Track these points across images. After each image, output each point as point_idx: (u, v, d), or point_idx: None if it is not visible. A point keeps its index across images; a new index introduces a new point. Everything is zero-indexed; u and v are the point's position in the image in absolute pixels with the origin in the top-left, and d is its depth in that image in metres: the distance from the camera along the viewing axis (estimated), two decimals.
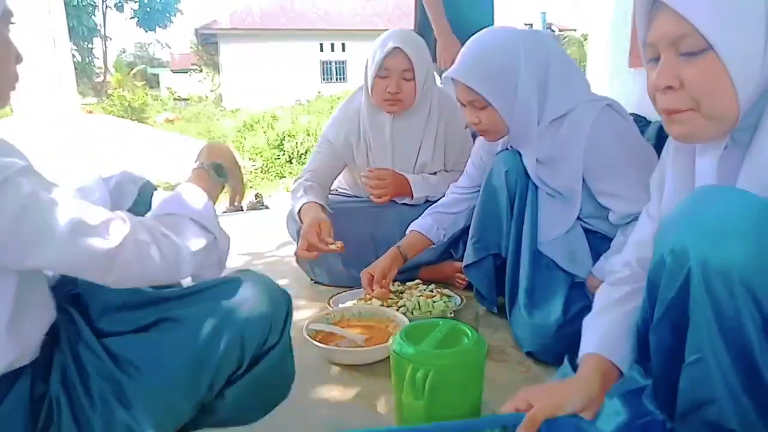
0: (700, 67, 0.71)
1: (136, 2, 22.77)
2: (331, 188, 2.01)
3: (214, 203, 0.94)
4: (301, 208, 1.76)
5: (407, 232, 1.68)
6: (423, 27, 2.39)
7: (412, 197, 1.85)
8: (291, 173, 8.31)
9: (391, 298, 1.63)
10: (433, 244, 1.68)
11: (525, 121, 1.36)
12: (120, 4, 22.71)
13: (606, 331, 0.89)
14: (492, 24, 2.36)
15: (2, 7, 0.75)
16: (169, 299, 0.85)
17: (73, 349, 0.81)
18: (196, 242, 0.84)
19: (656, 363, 0.81)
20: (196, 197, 0.89)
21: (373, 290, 1.56)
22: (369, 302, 1.60)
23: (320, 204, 1.76)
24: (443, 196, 1.73)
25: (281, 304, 0.89)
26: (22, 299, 0.74)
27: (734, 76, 0.70)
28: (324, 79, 20.44)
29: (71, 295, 0.89)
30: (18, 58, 0.80)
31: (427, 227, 1.66)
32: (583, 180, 1.37)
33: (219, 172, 0.98)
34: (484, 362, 1.00)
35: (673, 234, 0.72)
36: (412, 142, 1.86)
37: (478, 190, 1.58)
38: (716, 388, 0.68)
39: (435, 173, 1.92)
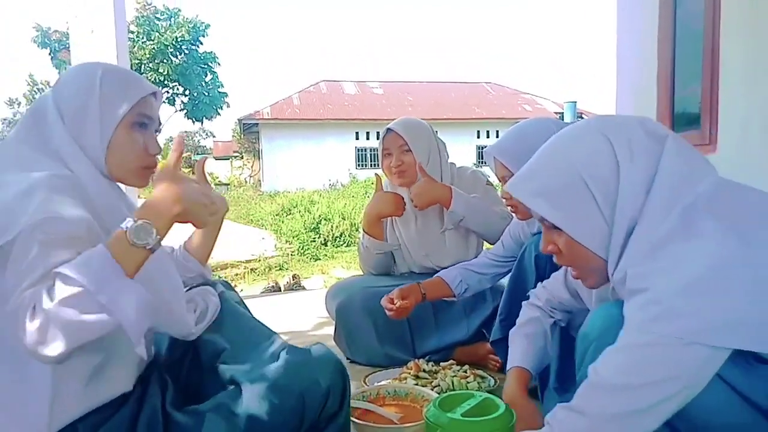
0: (564, 238, 0.91)
1: (186, 96, 24.46)
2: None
3: (131, 268, 0.80)
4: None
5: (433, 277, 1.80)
6: None
7: (449, 206, 1.89)
8: (326, 255, 8.48)
9: (425, 378, 1.67)
10: (453, 296, 1.77)
11: None
12: (171, 99, 24.43)
13: (523, 349, 1.27)
14: None
15: (125, 107, 0.99)
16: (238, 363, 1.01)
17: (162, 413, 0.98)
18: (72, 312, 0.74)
19: None
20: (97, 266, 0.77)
21: (394, 303, 1.68)
22: (404, 381, 1.64)
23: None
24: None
25: (338, 375, 1.02)
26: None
27: (590, 246, 0.89)
28: (358, 165, 21.15)
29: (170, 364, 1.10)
30: (148, 150, 1.03)
31: (452, 277, 1.76)
32: None
33: (141, 234, 0.80)
34: None
35: (580, 348, 0.95)
36: (432, 211, 1.99)
37: (509, 260, 1.68)
38: None
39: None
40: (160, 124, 1.09)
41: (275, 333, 1.14)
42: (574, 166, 0.88)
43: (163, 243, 0.86)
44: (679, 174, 0.84)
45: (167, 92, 24.15)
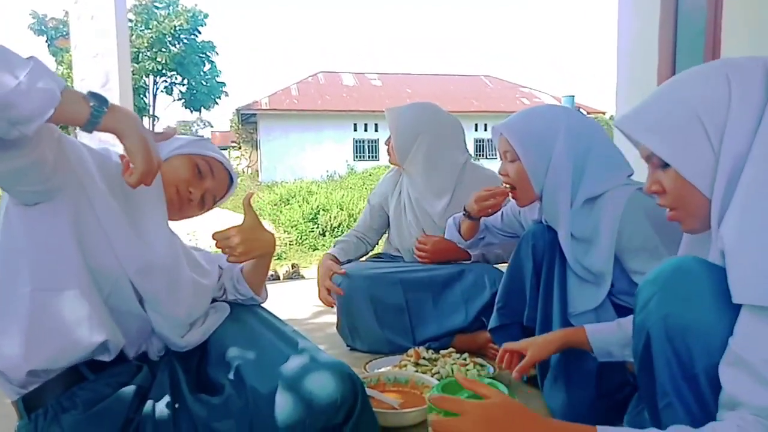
0: (671, 175, 0.89)
1: (184, 86, 24.35)
2: (378, 252, 2.29)
3: (65, 102, 0.84)
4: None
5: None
6: None
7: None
8: (324, 245, 8.50)
9: (425, 365, 1.70)
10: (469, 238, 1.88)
11: (556, 194, 1.43)
12: (169, 88, 24.31)
13: (605, 323, 1.26)
14: None
15: (192, 150, 1.18)
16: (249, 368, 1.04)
17: (170, 393, 1.02)
18: None
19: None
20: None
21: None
22: (404, 368, 1.67)
23: (333, 255, 2.15)
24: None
25: (351, 389, 1.02)
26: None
27: (696, 183, 0.86)
28: (357, 157, 21.12)
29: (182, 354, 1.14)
30: (189, 185, 1.16)
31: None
32: (617, 258, 1.41)
33: (97, 98, 0.89)
34: None
35: (643, 294, 0.90)
36: (427, 194, 2.07)
37: (505, 234, 1.75)
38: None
39: None
40: (216, 198, 1.24)
41: (301, 340, 1.16)
42: (690, 103, 0.85)
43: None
44: None
45: (165, 81, 24.03)
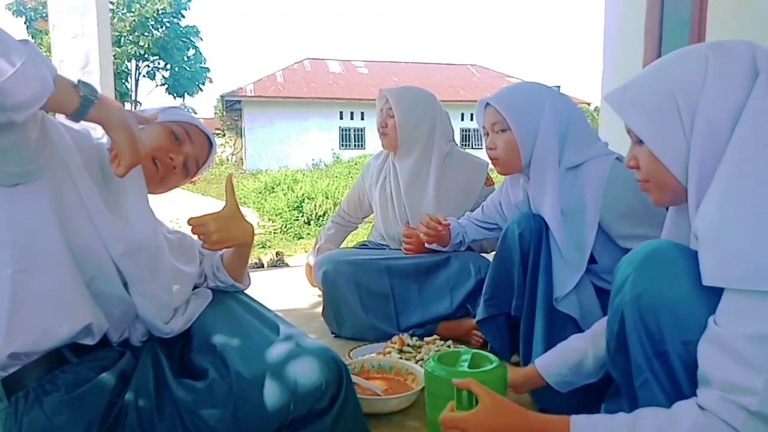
0: (645, 152, 0.90)
1: (167, 71, 24.01)
2: (363, 240, 2.30)
3: (57, 102, 0.85)
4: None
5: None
6: None
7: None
8: (309, 234, 8.47)
9: (410, 352, 1.70)
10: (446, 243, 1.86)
11: (545, 160, 1.47)
12: (152, 73, 23.96)
13: (551, 355, 1.23)
14: None
15: (165, 117, 1.16)
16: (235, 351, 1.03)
17: (153, 378, 1.01)
18: None
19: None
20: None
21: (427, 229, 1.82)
22: (388, 355, 1.67)
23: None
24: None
25: (336, 374, 1.02)
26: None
27: (665, 162, 0.87)
28: (342, 145, 21.04)
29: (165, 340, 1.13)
30: (168, 152, 1.13)
31: (454, 227, 1.85)
32: (602, 228, 1.43)
33: (88, 87, 0.90)
34: (507, 384, 1.15)
35: (619, 277, 0.92)
36: (415, 183, 2.06)
37: (489, 226, 1.77)
38: (661, 402, 0.81)
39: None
40: (200, 163, 1.23)
41: (285, 326, 1.13)
42: (668, 81, 0.86)
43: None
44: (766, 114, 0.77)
45: (147, 66, 23.66)
